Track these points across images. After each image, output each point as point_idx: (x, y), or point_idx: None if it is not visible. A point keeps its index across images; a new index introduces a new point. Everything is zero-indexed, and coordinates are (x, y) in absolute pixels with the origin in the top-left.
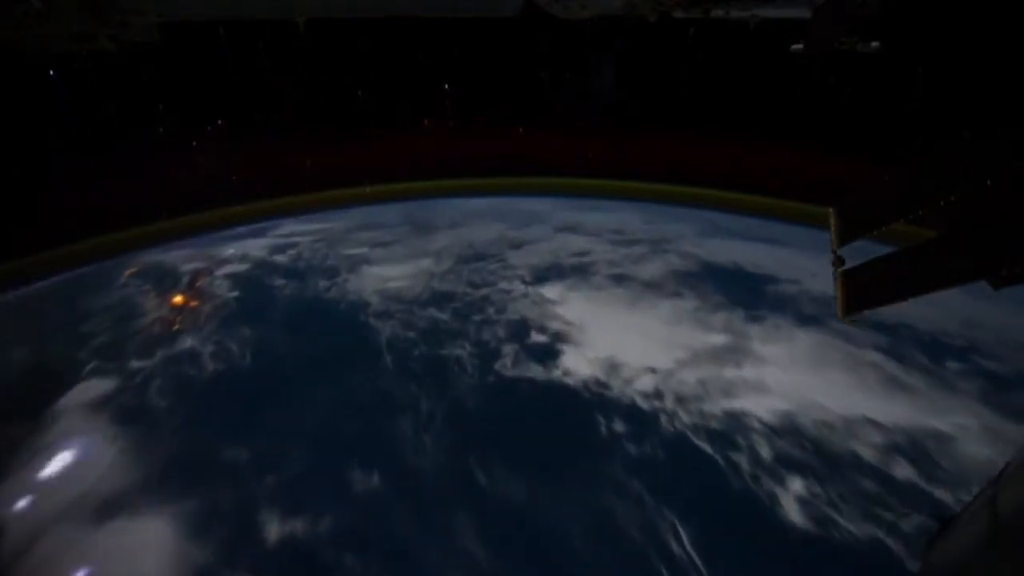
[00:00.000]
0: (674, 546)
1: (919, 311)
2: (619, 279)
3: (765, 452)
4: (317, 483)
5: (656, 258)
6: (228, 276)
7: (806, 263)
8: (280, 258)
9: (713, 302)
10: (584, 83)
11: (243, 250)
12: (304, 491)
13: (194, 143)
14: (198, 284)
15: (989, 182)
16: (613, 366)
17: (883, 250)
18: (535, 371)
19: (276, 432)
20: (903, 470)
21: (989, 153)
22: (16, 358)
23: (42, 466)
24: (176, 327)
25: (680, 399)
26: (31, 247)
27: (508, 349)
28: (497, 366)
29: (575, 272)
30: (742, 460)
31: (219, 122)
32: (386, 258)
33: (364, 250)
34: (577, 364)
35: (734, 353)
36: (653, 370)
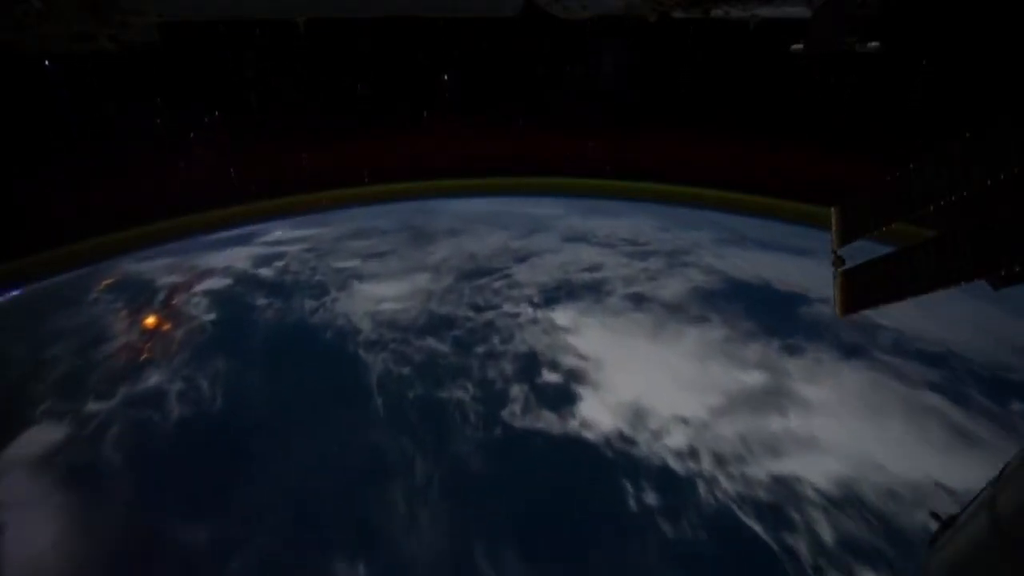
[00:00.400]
0: None
1: (968, 338)
2: (637, 300)
3: (826, 533)
4: None
5: (675, 273)
6: (207, 293)
7: None
8: (265, 272)
9: (743, 329)
10: (584, 83)
11: (227, 260)
12: None
13: (187, 144)
14: (174, 302)
15: (989, 182)
16: (638, 414)
17: (883, 250)
18: (548, 421)
19: (242, 505)
20: None
21: (989, 154)
22: None
23: None
24: (144, 356)
25: (719, 459)
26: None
27: (517, 391)
28: (504, 414)
29: (588, 292)
30: (800, 545)
31: (214, 122)
32: (380, 273)
33: (356, 263)
34: (597, 412)
35: (775, 396)
36: (685, 420)
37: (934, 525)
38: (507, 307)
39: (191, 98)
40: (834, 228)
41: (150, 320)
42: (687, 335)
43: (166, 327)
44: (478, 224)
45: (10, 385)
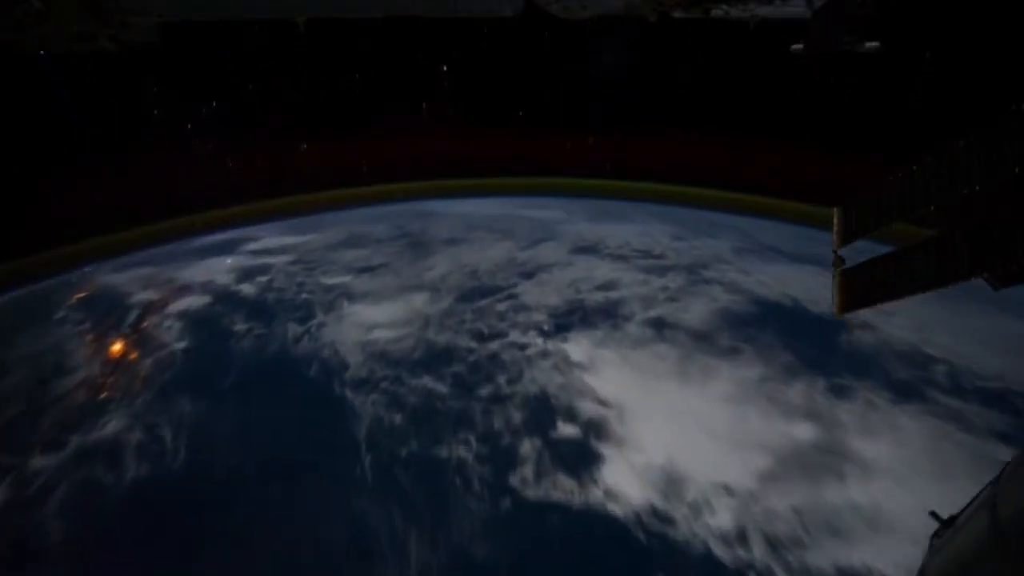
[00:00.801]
0: None
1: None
2: (658, 327)
3: None
4: None
5: (697, 292)
6: (181, 315)
7: None
8: (247, 288)
9: (781, 364)
10: (584, 83)
11: (208, 272)
12: None
13: (181, 144)
14: (144, 324)
15: (990, 183)
16: (673, 482)
17: (883, 250)
18: (566, 489)
19: None
20: None
21: (990, 154)
22: None
23: None
24: (104, 394)
25: (774, 544)
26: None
27: (528, 448)
28: (514, 480)
29: (603, 316)
30: None
31: (212, 122)
32: (372, 291)
33: (347, 278)
34: (624, 478)
35: (829, 455)
36: (728, 489)
37: (934, 525)
38: (514, 335)
39: (190, 98)
40: (835, 228)
41: (116, 347)
42: (719, 373)
43: (133, 356)
44: (479, 231)
45: None
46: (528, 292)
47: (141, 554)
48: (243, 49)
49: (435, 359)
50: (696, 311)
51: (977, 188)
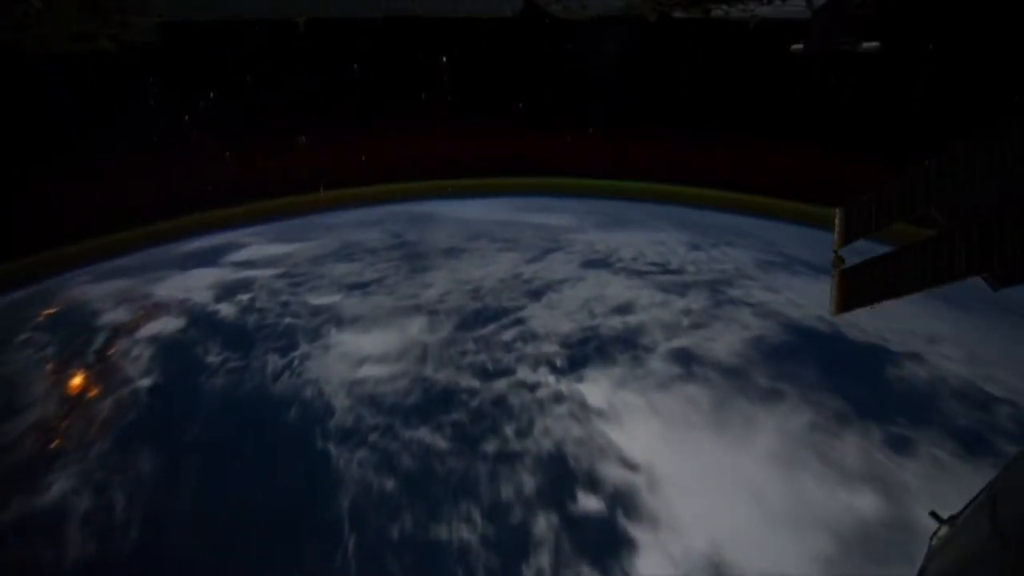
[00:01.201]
0: None
1: None
2: (685, 361)
3: None
4: None
5: (723, 315)
6: (152, 340)
7: (918, 320)
8: (226, 309)
9: (829, 408)
10: (584, 83)
11: (188, 286)
12: None
13: (182, 145)
14: (111, 352)
15: (989, 183)
16: None
17: (883, 250)
18: None
19: None
20: None
21: (990, 155)
22: None
23: None
24: (56, 443)
25: None
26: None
27: (543, 527)
28: (528, 574)
29: (622, 347)
30: None
31: (210, 123)
32: (364, 315)
33: (336, 298)
34: (661, 570)
35: (901, 532)
36: None
37: (933, 525)
38: (522, 372)
39: (189, 98)
40: (836, 229)
41: (76, 381)
42: (761, 423)
43: (93, 393)
44: (481, 239)
45: None
46: (537, 316)
47: None
48: (243, 49)
49: (433, 403)
50: (725, 341)
51: (977, 189)
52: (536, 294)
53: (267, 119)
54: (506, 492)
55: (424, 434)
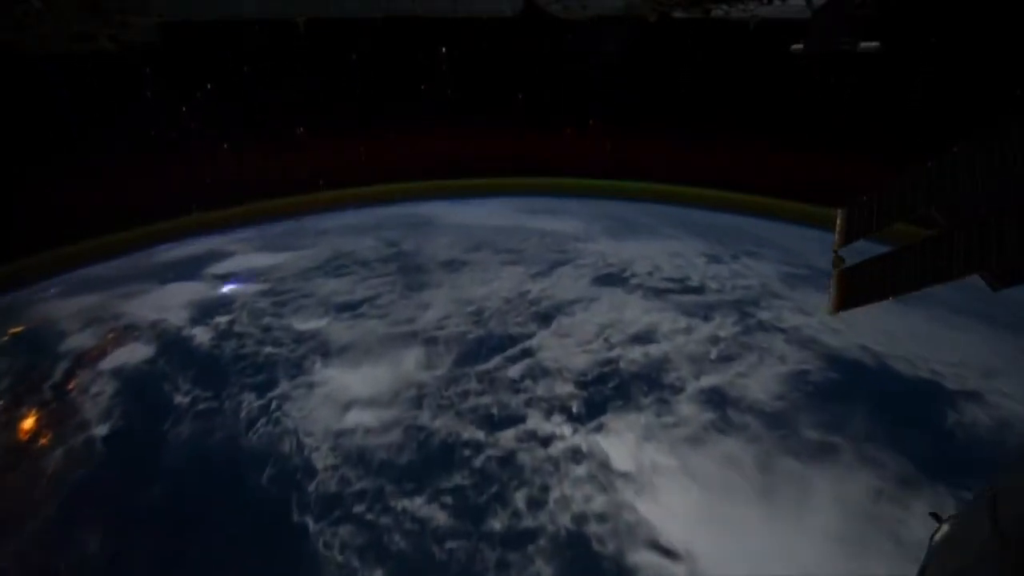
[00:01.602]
0: None
1: None
2: (719, 404)
3: None
4: None
5: (755, 344)
6: (117, 373)
7: (968, 348)
8: (201, 335)
9: (891, 469)
10: (584, 83)
11: (163, 304)
12: None
13: (180, 146)
14: (71, 387)
15: (989, 184)
16: None
17: (883, 250)
18: None
19: None
20: None
21: (990, 155)
22: None
23: None
24: None
25: None
26: None
27: None
28: None
29: (645, 387)
30: None
31: (208, 123)
32: (352, 344)
33: (323, 322)
34: None
35: None
36: None
37: (933, 525)
38: (533, 420)
39: (189, 98)
40: (837, 229)
41: (27, 424)
42: (816, 490)
43: (43, 441)
44: (484, 249)
45: None
46: (547, 346)
47: None
48: (243, 49)
49: (430, 463)
50: (762, 378)
51: (977, 189)
52: (545, 318)
53: (267, 119)
54: None
55: (419, 505)
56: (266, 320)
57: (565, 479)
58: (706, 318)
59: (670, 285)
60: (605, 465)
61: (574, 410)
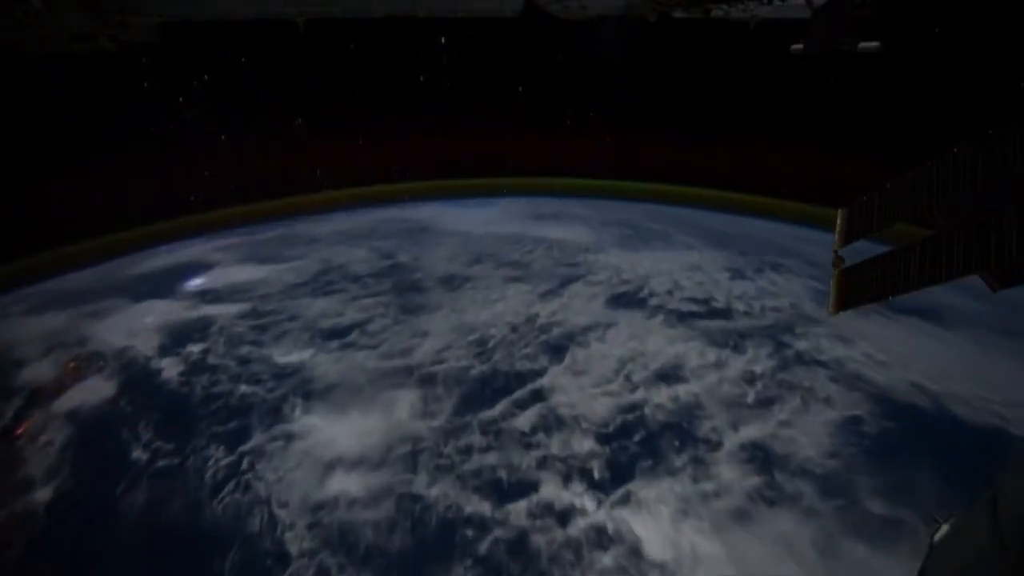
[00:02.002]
0: None
1: None
2: (764, 465)
3: None
4: None
5: (796, 382)
6: (72, 415)
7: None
8: (170, 368)
9: None
10: (584, 83)
11: (132, 328)
12: None
13: (180, 145)
14: (19, 432)
15: (990, 184)
16: None
17: (883, 250)
18: None
19: None
20: None
21: (991, 155)
22: None
23: None
24: None
25: None
26: None
27: None
28: None
29: (677, 441)
30: None
31: (206, 123)
32: (339, 383)
33: (306, 354)
34: None
35: None
36: None
37: (933, 526)
38: (547, 488)
39: (188, 97)
40: (837, 229)
41: None
42: None
43: None
44: (486, 262)
45: None
46: (560, 387)
47: None
48: (243, 49)
49: (425, 549)
50: (809, 429)
51: (977, 189)
52: (557, 349)
53: (266, 119)
54: None
55: None
56: (244, 350)
57: (589, 572)
58: (737, 348)
59: (694, 307)
60: (636, 551)
61: (596, 474)
